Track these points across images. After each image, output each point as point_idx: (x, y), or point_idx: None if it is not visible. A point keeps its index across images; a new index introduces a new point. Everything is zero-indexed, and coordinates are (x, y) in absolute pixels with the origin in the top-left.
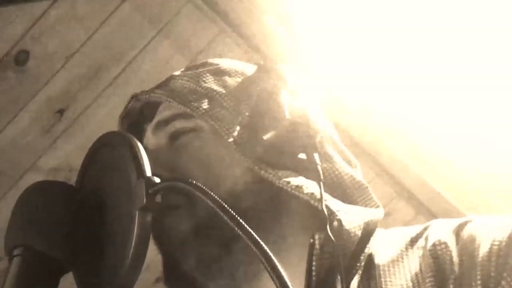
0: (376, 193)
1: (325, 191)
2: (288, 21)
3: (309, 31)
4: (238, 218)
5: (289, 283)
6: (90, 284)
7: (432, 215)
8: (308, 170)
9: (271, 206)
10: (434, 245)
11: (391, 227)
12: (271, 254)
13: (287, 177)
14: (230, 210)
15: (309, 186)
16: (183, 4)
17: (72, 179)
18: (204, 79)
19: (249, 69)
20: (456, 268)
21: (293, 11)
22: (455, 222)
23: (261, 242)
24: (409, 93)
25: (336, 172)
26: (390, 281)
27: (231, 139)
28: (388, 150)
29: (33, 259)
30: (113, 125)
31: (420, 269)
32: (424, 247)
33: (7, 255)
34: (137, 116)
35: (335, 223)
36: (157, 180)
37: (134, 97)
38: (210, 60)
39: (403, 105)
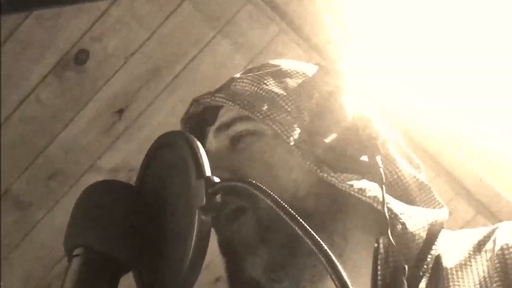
0: (436, 193)
1: (388, 193)
2: (346, 21)
3: (365, 31)
4: (299, 218)
5: (350, 285)
6: (150, 284)
7: (492, 215)
8: (371, 173)
9: (333, 209)
10: (502, 249)
11: (450, 227)
12: (331, 254)
13: (349, 180)
14: (290, 210)
15: (372, 189)
16: (243, 4)
17: (132, 179)
18: (265, 81)
19: (310, 70)
20: None
21: (351, 12)
22: None
23: (322, 243)
24: (467, 93)
25: (399, 174)
26: (458, 285)
27: (292, 142)
28: (448, 151)
29: (92, 259)
30: (172, 125)
31: (488, 274)
32: (492, 251)
33: (67, 255)
34: (199, 119)
35: (399, 226)
36: (216, 180)
37: (195, 101)
38: (271, 62)
39: (462, 106)
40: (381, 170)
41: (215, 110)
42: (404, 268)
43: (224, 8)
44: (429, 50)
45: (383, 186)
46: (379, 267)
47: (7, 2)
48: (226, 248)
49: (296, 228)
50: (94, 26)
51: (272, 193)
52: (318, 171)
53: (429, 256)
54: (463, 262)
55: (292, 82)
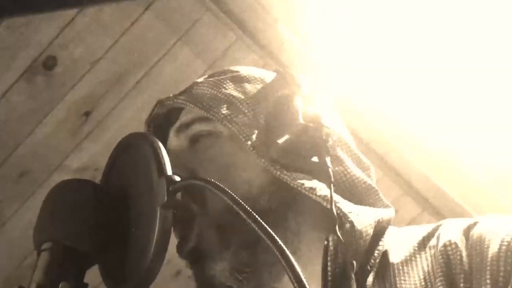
0: (384, 191)
1: (336, 193)
2: (301, 29)
3: (321, 38)
4: (255, 214)
5: (304, 280)
6: (115, 276)
7: (437, 213)
8: (321, 173)
9: (286, 207)
10: (444, 245)
11: (398, 224)
12: (286, 250)
13: (301, 179)
14: (247, 207)
15: (322, 189)
16: (202, 13)
17: (98, 178)
18: (224, 85)
19: (268, 76)
20: (466, 267)
21: (306, 19)
22: (464, 223)
23: (277, 239)
24: (416, 94)
25: (348, 176)
26: (404, 280)
27: (248, 142)
28: (395, 150)
29: (60, 253)
30: (136, 127)
31: (432, 269)
32: (436, 247)
33: (36, 249)
34: (162, 121)
35: (347, 225)
36: (177, 178)
37: (159, 103)
38: (231, 68)
39: (411, 106)
40: (330, 170)
41: (178, 111)
42: (353, 264)
43: (184, 16)
44: (377, 49)
45: (332, 186)
46: (329, 263)
47: None
48: (191, 258)
49: (253, 224)
50: (62, 33)
51: (229, 190)
52: (272, 168)
53: (376, 251)
54: (408, 258)
55: (250, 87)
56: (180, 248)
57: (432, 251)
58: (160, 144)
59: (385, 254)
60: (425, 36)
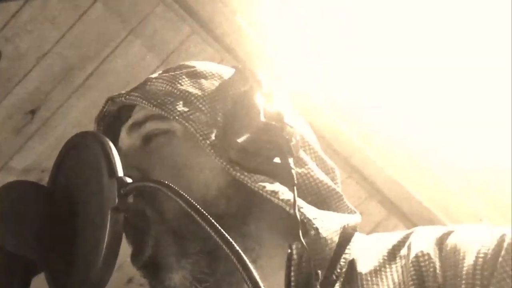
0: (348, 194)
1: (299, 196)
2: (258, 21)
3: (278, 30)
4: (211, 219)
5: (261, 284)
6: (62, 284)
7: (404, 216)
8: (283, 175)
9: (245, 211)
10: (417, 256)
11: (363, 227)
12: (244, 256)
13: (262, 181)
14: (202, 211)
15: (285, 192)
16: (155, 5)
17: (44, 180)
18: (180, 81)
19: (226, 72)
20: (440, 280)
21: (263, 11)
22: (437, 232)
23: (235, 244)
24: (382, 93)
25: (311, 179)
26: None
27: (206, 141)
28: (360, 152)
29: (4, 259)
30: (85, 125)
31: (403, 280)
32: (407, 257)
33: None
34: (113, 119)
35: (312, 232)
36: (129, 180)
37: (110, 99)
38: (187, 63)
39: (376, 105)
40: (293, 172)
41: (130, 109)
42: (318, 274)
43: (136, 8)
44: (338, 45)
45: (295, 189)
46: (292, 273)
47: None
48: (147, 270)
49: (209, 229)
50: (6, 26)
51: (183, 193)
52: (231, 169)
53: (343, 260)
54: (377, 268)
55: (207, 83)
56: (135, 259)
57: (403, 262)
58: (111, 144)
59: (352, 263)
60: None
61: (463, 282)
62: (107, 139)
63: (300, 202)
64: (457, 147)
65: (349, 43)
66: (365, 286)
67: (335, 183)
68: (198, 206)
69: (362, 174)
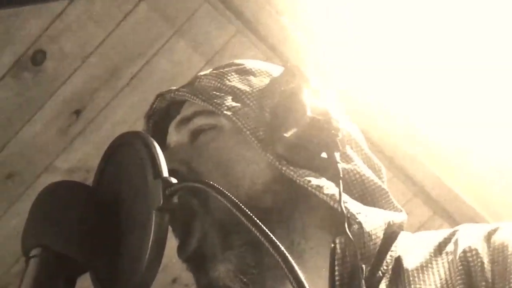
0: (393, 194)
1: (344, 191)
2: (304, 21)
3: (325, 31)
4: (255, 219)
5: (306, 285)
6: (107, 285)
7: (449, 216)
8: (329, 170)
9: (291, 205)
10: (464, 251)
11: (407, 227)
12: (290, 258)
13: (308, 176)
14: (248, 211)
15: (330, 187)
16: (200, 4)
17: (89, 180)
18: (228, 78)
19: (275, 69)
20: (488, 275)
21: (309, 11)
22: (484, 228)
23: (281, 246)
24: (427, 95)
25: (357, 175)
26: (420, 287)
27: (253, 136)
28: (405, 151)
29: (50, 260)
30: (130, 125)
31: (450, 276)
32: (454, 253)
33: (24, 256)
34: (163, 116)
35: (355, 226)
36: (174, 181)
37: (160, 96)
38: (236, 61)
39: (421, 106)
40: (339, 166)
41: (179, 106)
42: (362, 268)
43: (181, 8)
44: (385, 46)
45: (340, 182)
46: (336, 268)
47: None
48: (193, 262)
49: (254, 230)
50: (51, 26)
51: (228, 192)
52: (278, 164)
53: (389, 256)
54: (424, 264)
55: (255, 80)
56: (181, 251)
57: (450, 257)
58: (156, 144)
59: (398, 260)
60: (433, 34)
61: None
62: (152, 139)
63: (344, 197)
64: (501, 145)
65: (396, 41)
66: (411, 282)
67: (381, 181)
68: (243, 206)
69: (407, 173)
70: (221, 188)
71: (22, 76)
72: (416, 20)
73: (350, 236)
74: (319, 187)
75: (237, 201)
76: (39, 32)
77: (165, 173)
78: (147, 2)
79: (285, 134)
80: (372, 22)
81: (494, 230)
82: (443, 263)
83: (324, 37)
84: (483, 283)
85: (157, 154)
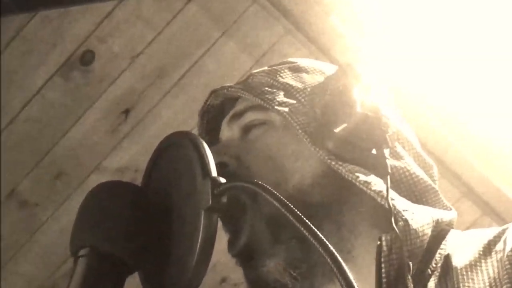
0: (442, 194)
1: (392, 188)
2: (353, 21)
3: (374, 30)
4: (303, 218)
5: (355, 285)
6: (156, 284)
7: (498, 216)
8: (378, 167)
9: (340, 200)
10: None
11: (456, 228)
12: (336, 254)
13: (357, 172)
14: (296, 210)
15: (378, 184)
16: (249, 5)
17: (138, 180)
18: (281, 74)
19: (328, 68)
20: None
21: (358, 10)
22: None
23: (327, 242)
24: (475, 93)
25: (407, 173)
26: (468, 286)
27: (303, 131)
28: (454, 151)
29: (98, 260)
30: (178, 125)
31: (498, 275)
32: (503, 251)
33: (72, 255)
34: (217, 113)
35: (401, 223)
36: (222, 180)
37: (213, 92)
38: (290, 59)
39: (469, 105)
40: (388, 161)
41: (232, 102)
42: (409, 265)
43: (230, 8)
44: (433, 43)
45: (388, 178)
46: (382, 265)
47: (13, 2)
48: (242, 257)
49: (302, 228)
50: (100, 26)
51: (276, 191)
52: (327, 159)
53: (438, 255)
54: (473, 263)
55: (308, 77)
56: (231, 246)
57: (499, 256)
58: (205, 144)
59: (447, 258)
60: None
61: None
62: (201, 139)
63: (392, 193)
64: None
65: (446, 42)
66: (460, 280)
67: (432, 180)
68: (290, 205)
69: (456, 173)
70: (268, 187)
71: (71, 76)
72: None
73: (397, 232)
74: (367, 183)
75: (285, 200)
76: (88, 32)
77: (214, 173)
78: (195, 2)
79: (335, 130)
80: (422, 19)
81: None
82: (492, 262)
83: (374, 35)
84: None
85: (206, 154)
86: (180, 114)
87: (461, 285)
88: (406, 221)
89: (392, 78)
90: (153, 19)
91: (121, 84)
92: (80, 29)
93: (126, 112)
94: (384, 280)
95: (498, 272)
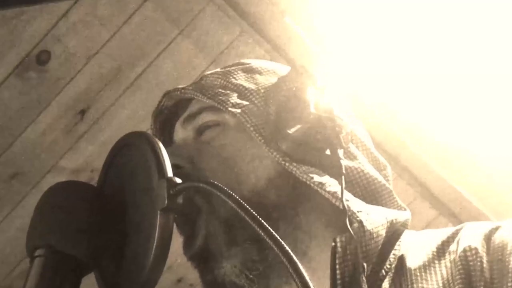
0: (398, 194)
1: (347, 190)
2: (308, 22)
3: (329, 31)
4: (259, 218)
5: (310, 285)
6: (112, 284)
7: (454, 216)
8: (332, 167)
9: (295, 202)
10: (464, 251)
11: (413, 227)
12: (292, 254)
13: (311, 173)
14: (251, 210)
15: (332, 184)
16: (205, 4)
17: (94, 180)
18: (234, 76)
19: (281, 69)
20: (487, 274)
21: (314, 12)
22: (486, 227)
23: (283, 243)
24: (430, 94)
25: (361, 173)
26: (422, 286)
27: (257, 132)
28: (410, 151)
29: (54, 260)
30: (134, 125)
31: (451, 275)
32: (455, 252)
33: (28, 255)
34: (170, 114)
35: (356, 224)
36: (178, 181)
37: (167, 94)
38: (243, 60)
39: (425, 106)
40: (342, 163)
41: (186, 104)
42: (363, 267)
43: (186, 8)
44: (387, 48)
45: (343, 179)
46: (337, 266)
47: None
48: (198, 259)
49: (258, 229)
50: (56, 26)
51: (232, 192)
52: (281, 160)
53: (392, 255)
54: (427, 263)
55: (261, 78)
56: (186, 248)
57: (452, 257)
58: (161, 144)
59: (401, 259)
60: (437, 37)
61: (510, 277)
62: (157, 140)
63: (347, 194)
64: (507, 147)
65: (401, 43)
66: (414, 281)
67: (386, 180)
68: (246, 206)
69: (412, 173)
70: (224, 188)
71: (27, 75)
72: (422, 22)
73: (352, 234)
74: (321, 184)
75: (240, 200)
76: (44, 32)
77: (170, 173)
78: (151, 2)
79: (288, 131)
80: (376, 23)
81: (496, 229)
82: (445, 262)
83: (329, 36)
84: (482, 283)
85: (162, 154)
86: (137, 114)
87: (414, 285)
88: (360, 222)
89: (348, 81)
90: (109, 18)
91: (77, 84)
92: (35, 29)
93: (82, 112)
94: (339, 281)
95: (451, 273)
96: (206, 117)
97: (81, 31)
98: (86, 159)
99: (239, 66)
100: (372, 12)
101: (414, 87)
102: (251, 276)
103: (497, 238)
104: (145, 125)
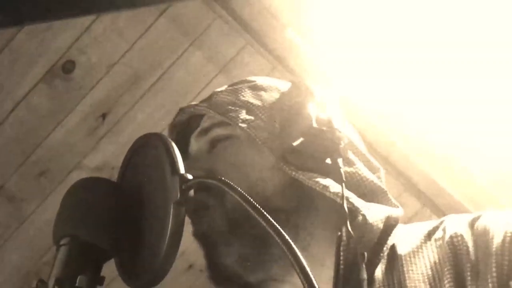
0: (388, 188)
1: (348, 190)
2: (308, 33)
3: (326, 41)
4: (264, 212)
5: (312, 277)
6: (130, 270)
7: (437, 208)
8: (333, 174)
9: (299, 206)
10: (451, 237)
11: (400, 218)
12: (294, 246)
13: (315, 178)
14: (256, 204)
15: (335, 187)
16: (213, 19)
17: (114, 177)
18: (242, 93)
19: (283, 85)
20: (472, 257)
21: (313, 24)
22: (469, 217)
23: (285, 234)
24: (415, 90)
25: (358, 177)
26: (412, 270)
27: (265, 145)
28: (397, 150)
29: (78, 248)
30: (150, 127)
31: (439, 259)
32: (442, 239)
33: (54, 244)
34: (184, 128)
35: (360, 218)
36: (190, 177)
37: (181, 110)
38: (248, 78)
39: (409, 103)
40: (342, 171)
41: (199, 119)
42: (363, 255)
43: (196, 22)
44: (380, 53)
45: (343, 184)
46: (341, 253)
47: (2, 16)
48: (202, 240)
49: (261, 220)
50: (80, 39)
51: (239, 189)
52: (287, 169)
53: (386, 245)
54: (415, 250)
55: (266, 95)
56: (194, 231)
57: (438, 243)
58: (173, 144)
59: (393, 247)
60: (425, 35)
61: (493, 258)
62: (170, 140)
63: (348, 194)
64: (490, 143)
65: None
66: (404, 265)
67: (380, 181)
68: (251, 199)
69: (399, 170)
70: (231, 183)
71: (54, 83)
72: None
73: (353, 226)
74: (325, 187)
75: (247, 195)
76: (69, 44)
77: (182, 170)
78: (166, 17)
79: (293, 144)
80: (371, 29)
81: (477, 218)
82: (432, 248)
83: (327, 48)
84: (468, 264)
85: (175, 153)
86: (152, 117)
87: (405, 269)
88: (363, 216)
89: (342, 85)
90: (127, 32)
91: (99, 91)
92: (61, 41)
93: (103, 115)
94: (341, 267)
95: (439, 258)
96: (218, 132)
97: (102, 43)
98: (106, 158)
99: (246, 84)
100: (369, 22)
101: (403, 88)
102: (246, 265)
103: (479, 225)
104: (160, 127)
